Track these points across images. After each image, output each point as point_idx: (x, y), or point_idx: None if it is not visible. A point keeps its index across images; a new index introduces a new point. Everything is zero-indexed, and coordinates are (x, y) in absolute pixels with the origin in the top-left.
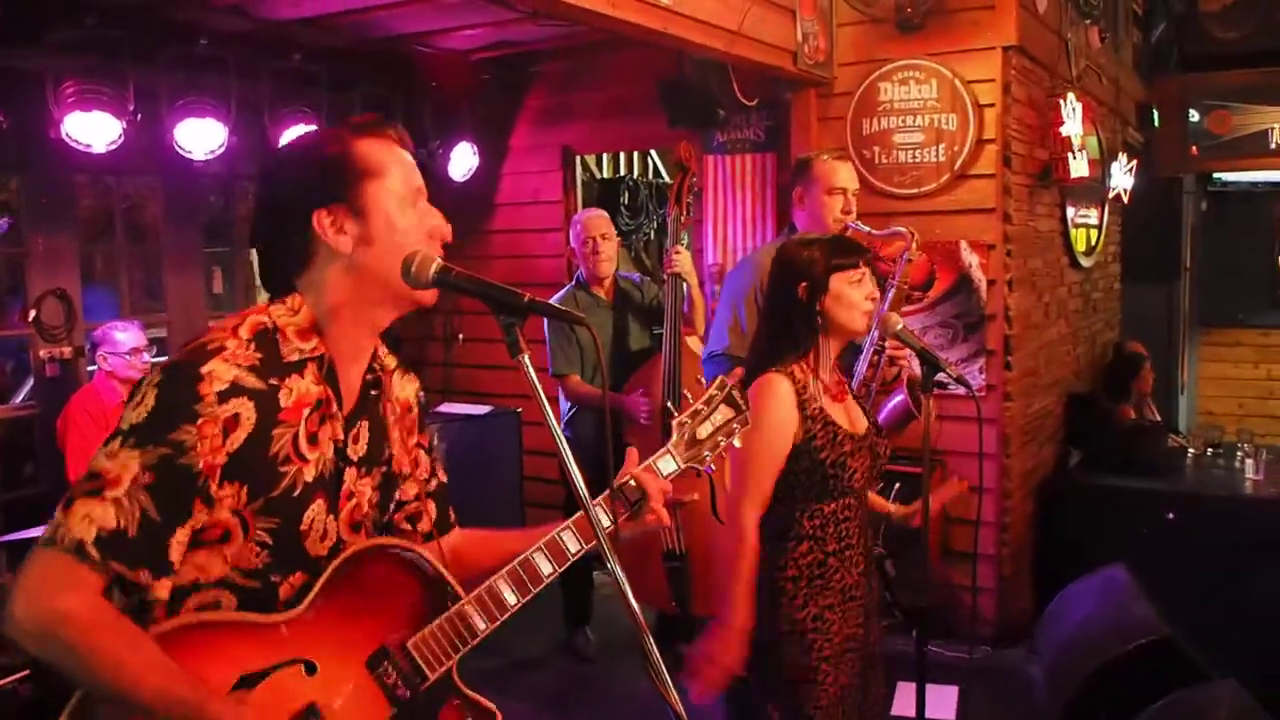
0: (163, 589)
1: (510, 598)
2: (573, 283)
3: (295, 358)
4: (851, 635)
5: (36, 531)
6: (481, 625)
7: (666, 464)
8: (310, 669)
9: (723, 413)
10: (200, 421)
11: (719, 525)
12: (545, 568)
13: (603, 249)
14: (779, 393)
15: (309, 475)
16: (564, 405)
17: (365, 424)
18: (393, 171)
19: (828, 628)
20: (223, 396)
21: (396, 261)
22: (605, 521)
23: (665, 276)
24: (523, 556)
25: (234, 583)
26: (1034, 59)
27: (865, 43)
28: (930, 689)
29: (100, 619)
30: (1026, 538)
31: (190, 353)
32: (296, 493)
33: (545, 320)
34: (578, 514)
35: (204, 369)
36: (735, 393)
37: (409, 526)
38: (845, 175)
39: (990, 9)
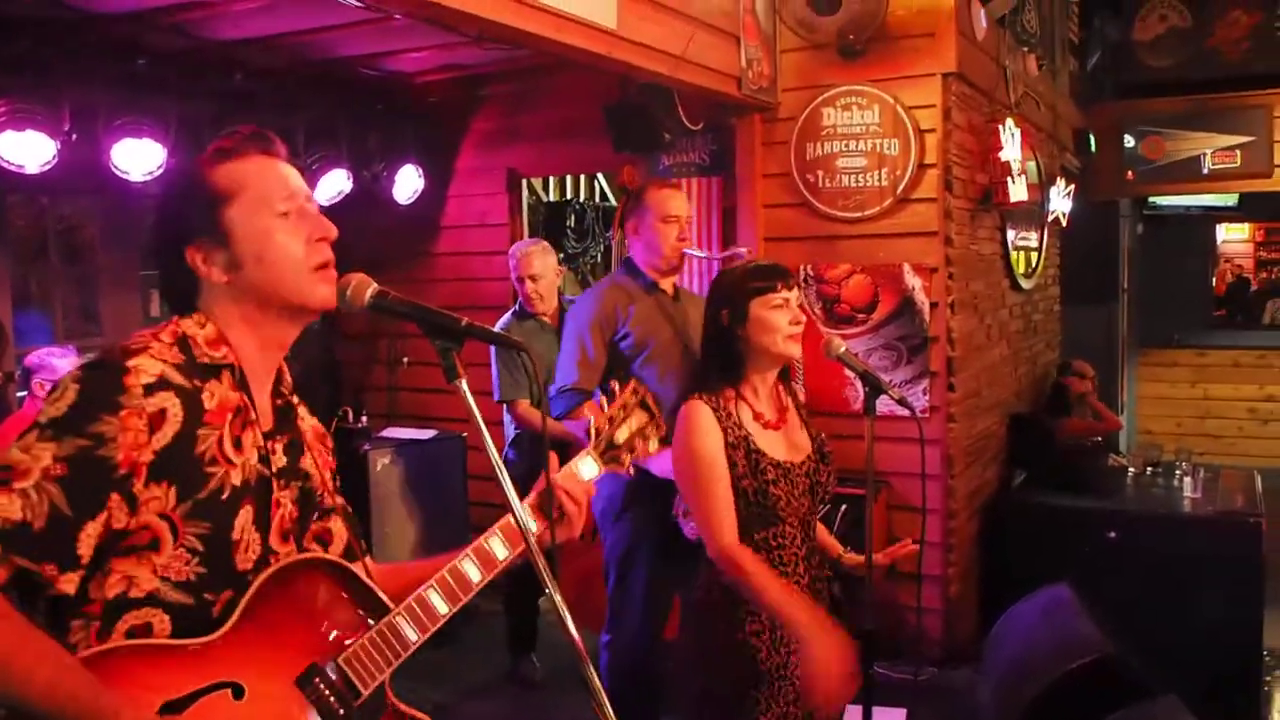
0: (68, 584)
1: (441, 606)
2: (515, 307)
3: (208, 361)
4: (783, 663)
5: None
6: (413, 636)
7: (587, 467)
8: (238, 692)
9: (638, 417)
10: (123, 413)
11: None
12: (474, 575)
13: (531, 289)
14: (700, 417)
15: (236, 479)
16: (509, 429)
17: (284, 440)
18: (254, 187)
19: (755, 653)
20: (149, 389)
21: (273, 278)
22: (533, 526)
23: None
24: (452, 564)
25: (165, 600)
26: (973, 85)
27: (808, 68)
28: (877, 711)
29: None
30: (972, 558)
31: (112, 351)
32: (225, 495)
33: (493, 349)
34: (504, 519)
35: (129, 363)
36: (647, 398)
37: (318, 548)
38: (678, 203)
39: (930, 36)
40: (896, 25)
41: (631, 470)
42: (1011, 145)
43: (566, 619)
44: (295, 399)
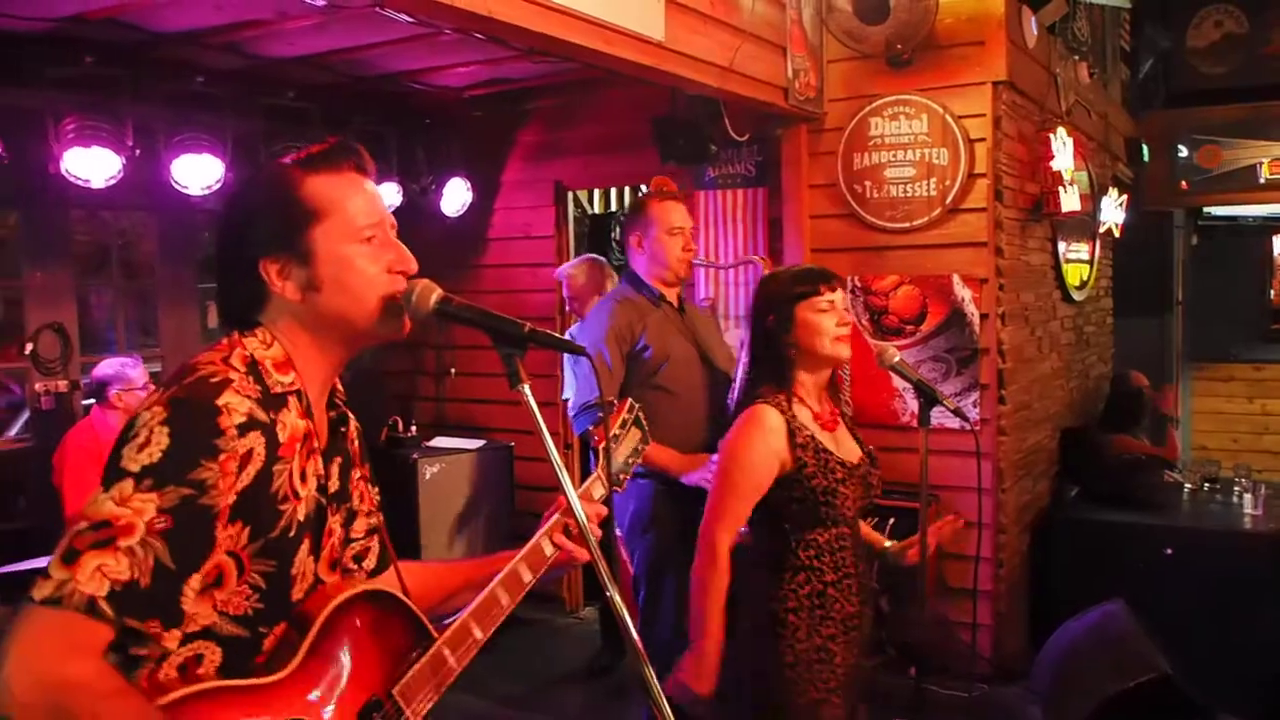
0: (172, 640)
1: (478, 633)
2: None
3: (279, 390)
4: (854, 665)
5: (27, 564)
6: (456, 664)
7: (596, 489)
8: None
9: (633, 434)
10: (223, 457)
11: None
12: (505, 600)
13: (575, 309)
14: (767, 423)
15: (301, 514)
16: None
17: (338, 460)
18: (344, 209)
19: (831, 659)
20: (241, 430)
21: (351, 303)
22: (549, 550)
23: None
24: (488, 591)
25: (219, 632)
26: (1024, 94)
27: (856, 79)
28: None
29: (110, 685)
30: (1021, 574)
31: (196, 386)
32: (291, 533)
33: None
34: (529, 545)
35: (219, 402)
36: (640, 415)
37: (355, 566)
38: (681, 215)
39: (980, 45)
40: (945, 34)
41: (624, 490)
42: (1063, 154)
43: (626, 620)
44: (345, 408)
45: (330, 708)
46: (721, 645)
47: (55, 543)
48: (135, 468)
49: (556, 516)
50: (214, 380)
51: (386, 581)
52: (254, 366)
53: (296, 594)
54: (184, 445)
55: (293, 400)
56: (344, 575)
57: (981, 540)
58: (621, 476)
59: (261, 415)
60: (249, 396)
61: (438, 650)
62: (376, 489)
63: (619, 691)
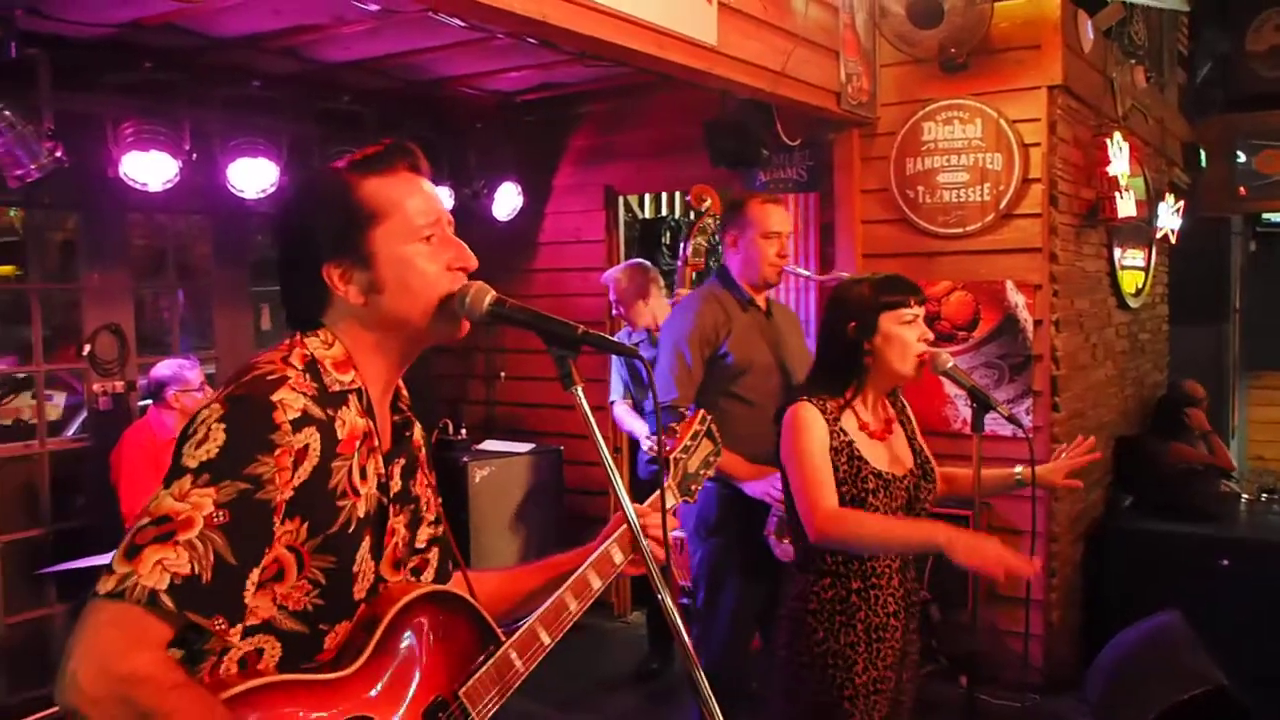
0: (235, 635)
1: (545, 638)
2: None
3: (337, 389)
4: (879, 677)
5: (85, 562)
6: (522, 668)
7: (667, 500)
8: None
9: (704, 446)
10: (278, 452)
11: None
12: (573, 605)
13: (620, 314)
14: (808, 415)
15: (360, 511)
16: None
17: (400, 462)
18: (402, 209)
19: (850, 665)
20: (296, 425)
21: (414, 303)
22: (619, 559)
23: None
24: (556, 597)
25: (279, 627)
26: (1080, 98)
27: (908, 83)
28: None
29: (174, 677)
30: (1074, 583)
31: (253, 383)
32: (351, 529)
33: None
34: (597, 552)
35: (274, 398)
36: (712, 426)
37: (413, 578)
38: (779, 219)
39: (1035, 49)
40: (1000, 38)
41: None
42: (1119, 159)
43: (679, 624)
44: (411, 414)
45: (395, 706)
46: (938, 526)
47: (111, 541)
48: (193, 464)
49: (622, 531)
50: (270, 378)
51: (454, 586)
52: (312, 365)
53: (358, 592)
54: (240, 441)
55: (352, 399)
56: (409, 576)
57: (1034, 549)
58: (693, 487)
59: (317, 411)
60: (304, 393)
61: (505, 653)
62: (439, 498)
63: (667, 695)
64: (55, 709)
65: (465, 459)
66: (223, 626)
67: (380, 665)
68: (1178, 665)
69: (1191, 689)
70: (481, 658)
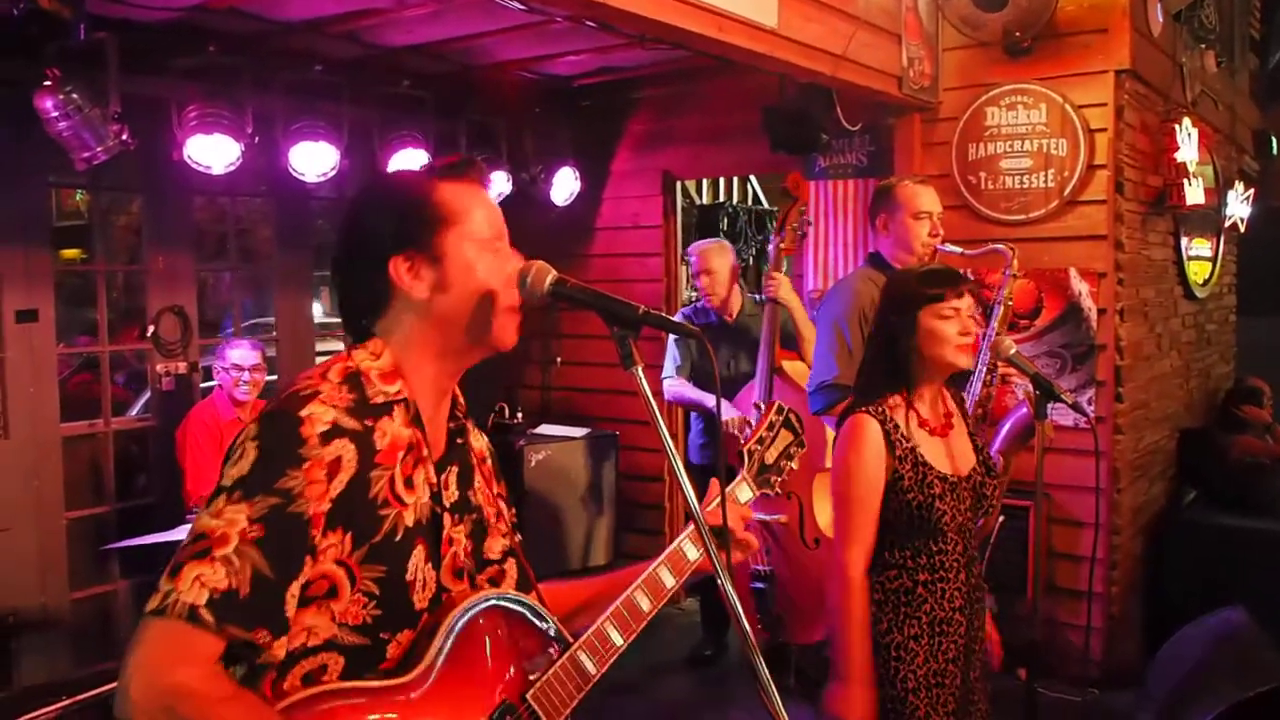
0: (280, 649)
1: (617, 639)
2: (690, 309)
3: (381, 400)
4: (941, 670)
5: (148, 539)
6: (593, 670)
7: (743, 492)
8: None
9: (784, 437)
10: (306, 465)
11: (806, 550)
12: (645, 605)
13: (705, 284)
14: (866, 435)
15: (409, 520)
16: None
17: (454, 470)
18: (473, 216)
19: (912, 658)
20: (325, 438)
21: (473, 308)
22: (693, 555)
23: (764, 300)
24: (626, 596)
25: (341, 643)
26: (1147, 83)
27: (971, 67)
28: None
29: (220, 690)
30: (1136, 577)
31: (285, 400)
32: (398, 538)
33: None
34: (670, 548)
35: (302, 413)
36: (792, 417)
37: (489, 588)
38: (930, 199)
39: (1103, 32)
40: (1066, 21)
41: (779, 491)
42: (1188, 146)
43: (738, 610)
44: (468, 421)
45: (459, 711)
46: (871, 674)
47: (174, 518)
48: (228, 482)
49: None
50: (303, 394)
51: (537, 595)
52: (353, 377)
53: (419, 602)
54: (269, 456)
55: (398, 409)
56: (473, 586)
57: (1096, 541)
58: (772, 479)
59: (350, 423)
60: (335, 406)
61: (574, 656)
62: (514, 510)
63: (720, 680)
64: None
65: (521, 443)
66: (266, 640)
67: (444, 671)
68: (1243, 661)
69: (1256, 686)
70: (549, 661)
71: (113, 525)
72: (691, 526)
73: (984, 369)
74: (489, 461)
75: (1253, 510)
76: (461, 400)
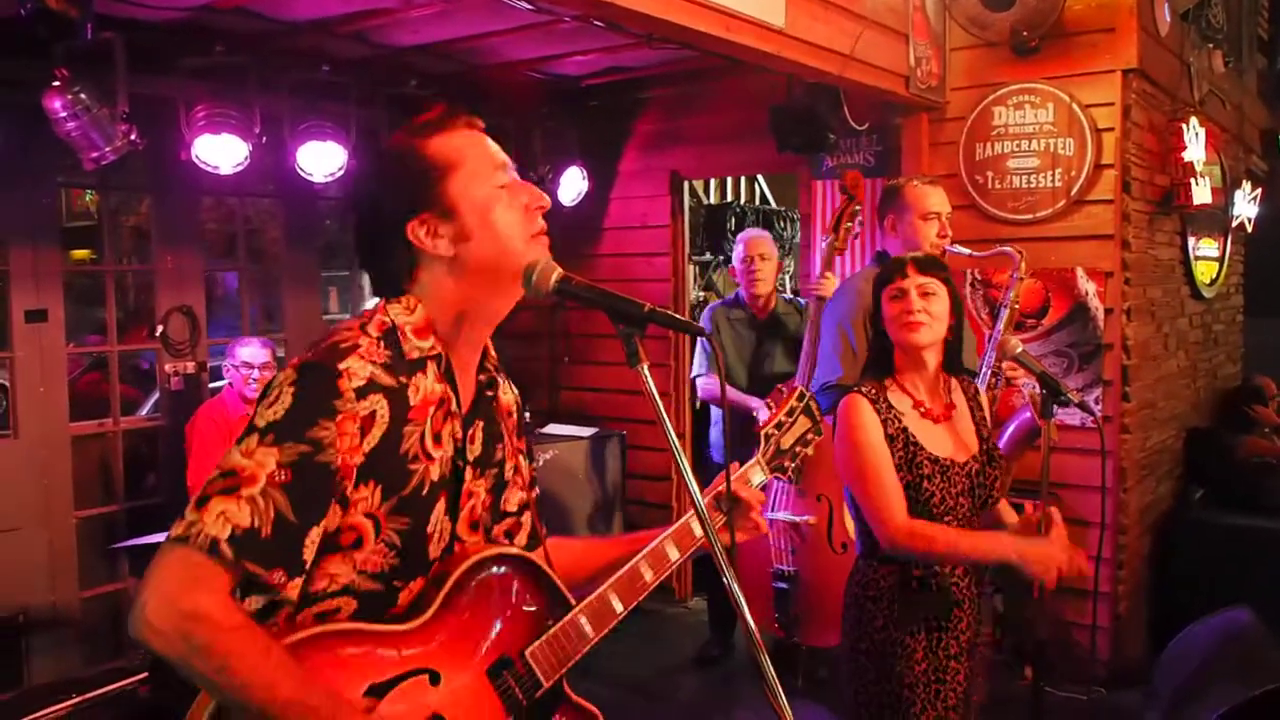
0: (294, 590)
1: (618, 606)
2: (731, 296)
3: (415, 355)
4: (940, 667)
5: (157, 538)
6: (592, 634)
7: (755, 474)
8: (434, 679)
9: (801, 423)
10: (339, 418)
11: (831, 555)
12: (649, 575)
13: (759, 268)
14: (860, 408)
15: (434, 474)
16: (714, 429)
17: (480, 424)
18: (469, 157)
19: (909, 654)
20: (360, 393)
21: (500, 247)
22: (699, 531)
23: (810, 300)
24: (630, 566)
25: (356, 589)
26: (1155, 83)
27: (979, 66)
28: None
29: (233, 620)
30: (1142, 576)
31: (326, 351)
32: (424, 492)
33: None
34: (678, 523)
35: (341, 365)
36: (812, 403)
37: (506, 541)
38: (938, 200)
39: (1110, 32)
40: (1073, 21)
41: (794, 480)
42: (1195, 146)
43: (743, 606)
44: (500, 374)
45: (459, 660)
46: (1005, 539)
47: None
48: (262, 423)
49: (708, 498)
50: (342, 346)
51: (543, 554)
52: (390, 333)
53: (433, 551)
54: (304, 405)
55: (430, 365)
56: (487, 538)
57: (1102, 541)
58: (786, 464)
59: (386, 379)
60: (373, 361)
61: (574, 618)
62: (533, 465)
63: (727, 680)
64: (130, 681)
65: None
66: (281, 580)
67: (447, 620)
68: (1250, 661)
69: (1263, 684)
70: (551, 620)
71: (122, 524)
72: (703, 503)
73: (988, 370)
74: (514, 415)
75: (1260, 510)
76: (493, 353)
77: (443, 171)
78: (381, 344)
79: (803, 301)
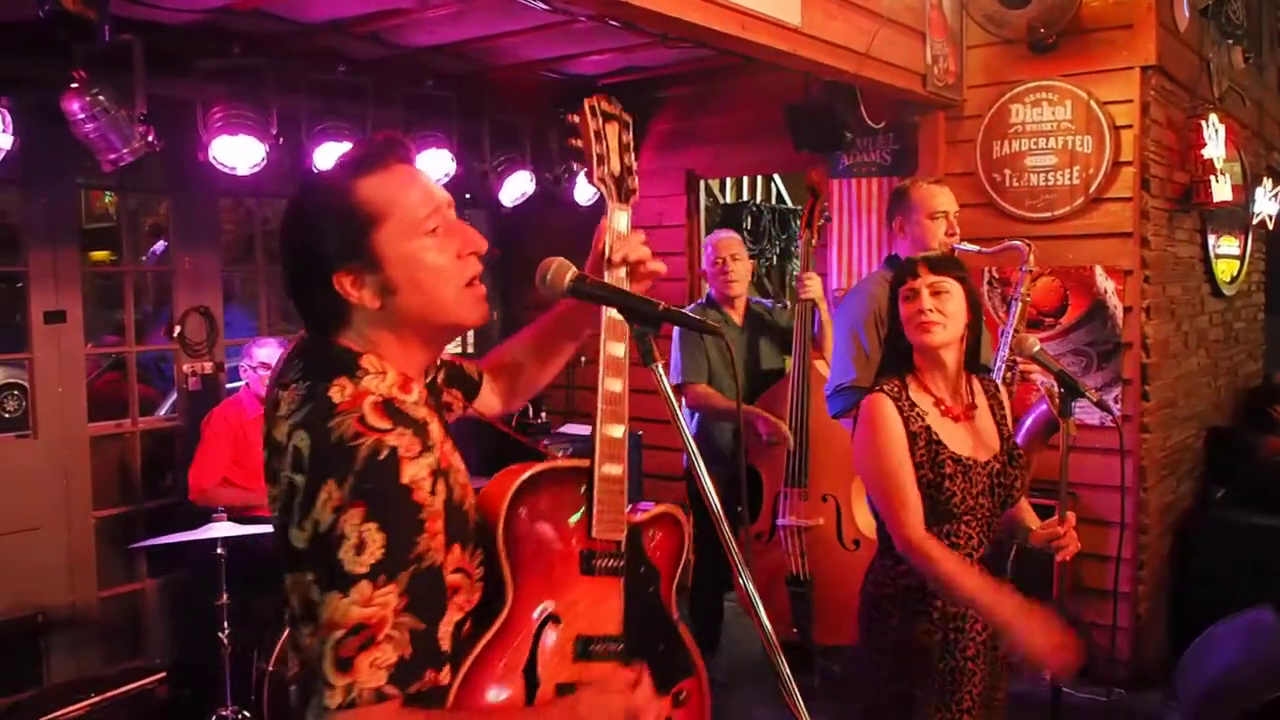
0: (447, 676)
1: (617, 432)
2: (702, 299)
3: (420, 415)
4: (956, 668)
5: (175, 538)
6: (619, 471)
7: (620, 220)
8: (555, 620)
9: (611, 131)
10: (427, 523)
11: (844, 553)
12: (616, 386)
13: (732, 269)
14: (883, 408)
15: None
16: (687, 417)
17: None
18: (400, 206)
19: (924, 653)
20: (432, 488)
21: (427, 300)
22: (618, 316)
23: (798, 301)
24: (603, 387)
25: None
26: (1174, 79)
27: (996, 64)
28: None
29: None
30: (1163, 576)
31: (375, 472)
32: (472, 517)
33: (676, 332)
34: (604, 320)
35: (405, 481)
36: (603, 104)
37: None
38: (945, 199)
39: (1128, 28)
40: (1091, 17)
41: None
42: (1215, 143)
43: (759, 608)
44: (436, 375)
45: (556, 588)
46: (1006, 598)
47: (202, 518)
48: (365, 569)
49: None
50: (382, 458)
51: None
52: (394, 411)
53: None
54: (398, 534)
55: (425, 409)
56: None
57: (1122, 541)
58: (630, 183)
59: (432, 460)
60: (416, 456)
61: (600, 472)
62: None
63: (739, 680)
64: (148, 680)
65: (545, 442)
66: (433, 678)
67: (524, 577)
68: (1272, 661)
69: None
70: (584, 491)
71: (140, 524)
72: (605, 317)
73: (1002, 366)
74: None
75: None
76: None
77: (372, 222)
78: (406, 431)
79: (769, 304)
